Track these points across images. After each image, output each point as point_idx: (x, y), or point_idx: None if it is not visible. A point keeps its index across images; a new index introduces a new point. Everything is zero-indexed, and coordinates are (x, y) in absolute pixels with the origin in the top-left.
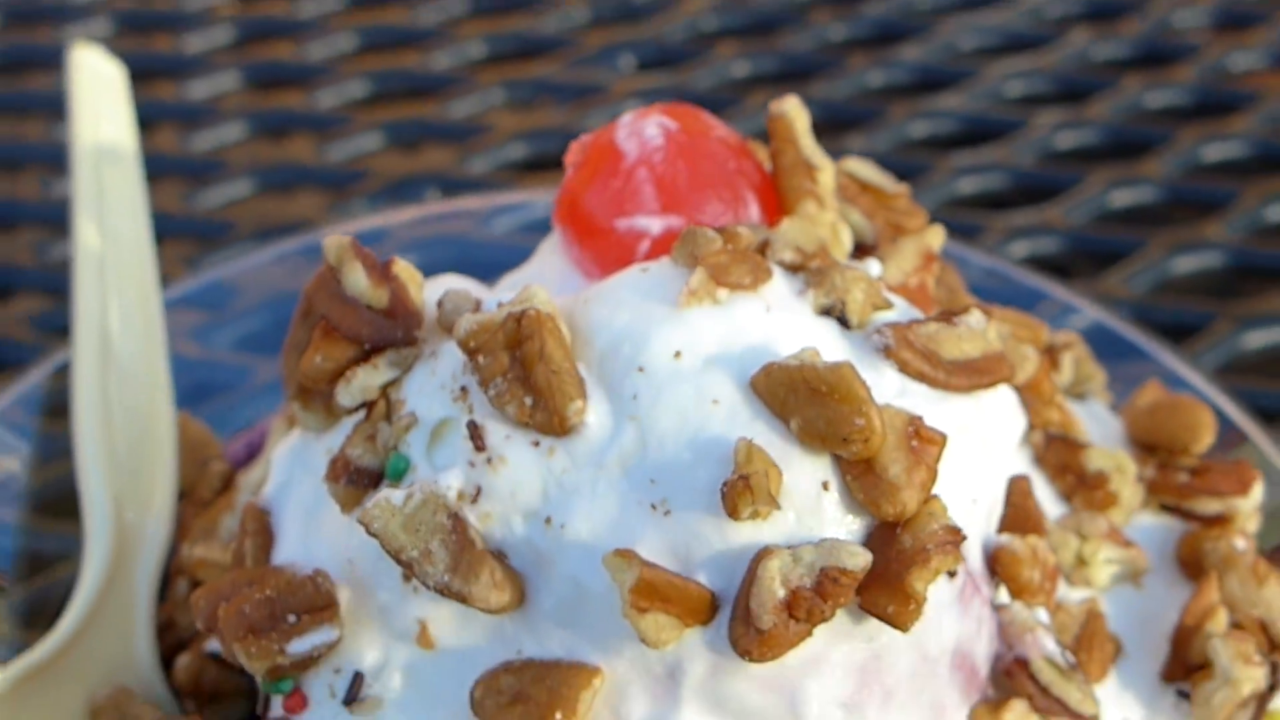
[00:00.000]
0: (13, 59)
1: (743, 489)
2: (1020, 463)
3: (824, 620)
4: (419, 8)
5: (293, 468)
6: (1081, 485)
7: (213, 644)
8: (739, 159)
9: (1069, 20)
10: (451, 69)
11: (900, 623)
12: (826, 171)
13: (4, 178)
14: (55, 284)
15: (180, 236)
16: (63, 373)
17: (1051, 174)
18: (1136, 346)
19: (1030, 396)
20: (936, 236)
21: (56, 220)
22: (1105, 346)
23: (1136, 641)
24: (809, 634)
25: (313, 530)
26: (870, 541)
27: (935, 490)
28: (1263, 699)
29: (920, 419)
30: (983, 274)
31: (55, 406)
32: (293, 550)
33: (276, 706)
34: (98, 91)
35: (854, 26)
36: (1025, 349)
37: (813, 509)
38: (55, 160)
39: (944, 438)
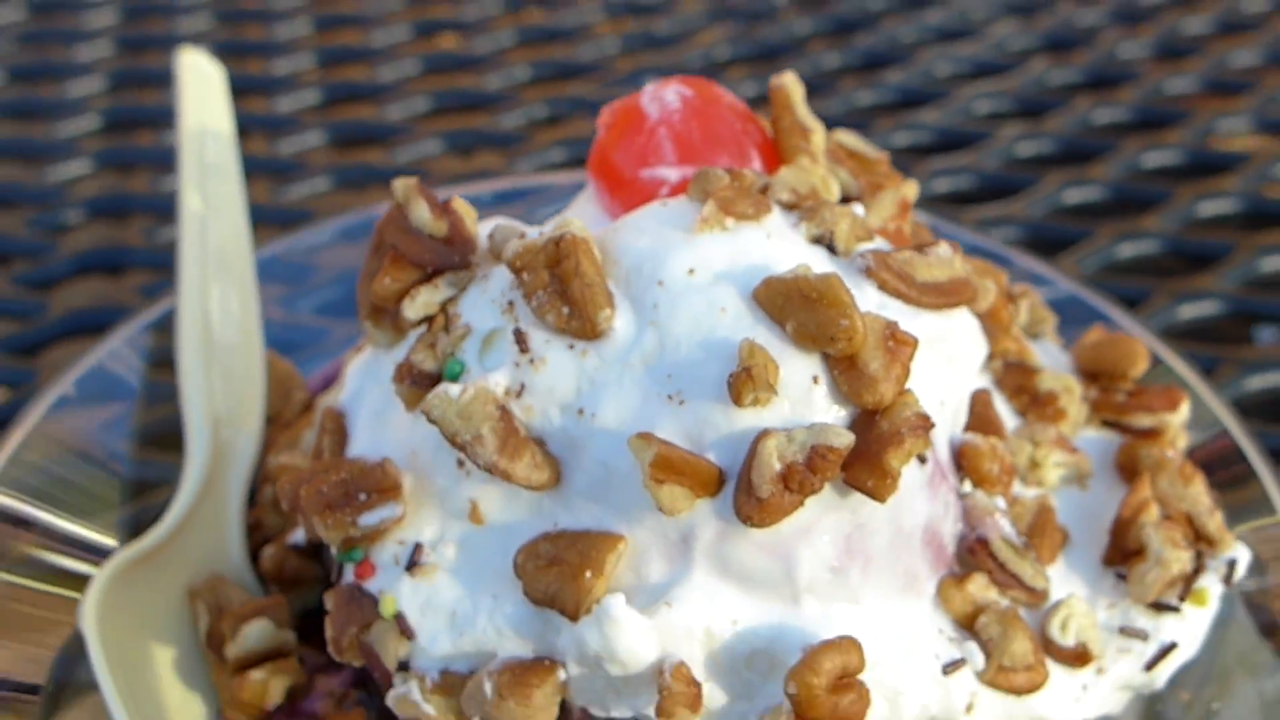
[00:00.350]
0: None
1: (746, 379)
2: (982, 382)
3: (814, 492)
4: (474, 39)
5: (364, 378)
6: (1034, 404)
7: (293, 537)
8: (744, 122)
9: (1029, 51)
10: (501, 89)
11: (879, 495)
12: (818, 134)
13: (119, 176)
14: (162, 261)
15: (268, 224)
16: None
17: (1013, 176)
18: (1096, 310)
19: (990, 325)
20: (911, 189)
21: (163, 210)
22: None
23: (1081, 532)
24: (801, 504)
25: (380, 428)
26: (853, 426)
27: (908, 386)
28: (1189, 579)
29: (896, 324)
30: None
31: (162, 349)
32: (363, 445)
33: (348, 573)
34: (202, 87)
35: (846, 55)
36: (986, 282)
37: (805, 399)
38: (163, 161)
39: (916, 341)
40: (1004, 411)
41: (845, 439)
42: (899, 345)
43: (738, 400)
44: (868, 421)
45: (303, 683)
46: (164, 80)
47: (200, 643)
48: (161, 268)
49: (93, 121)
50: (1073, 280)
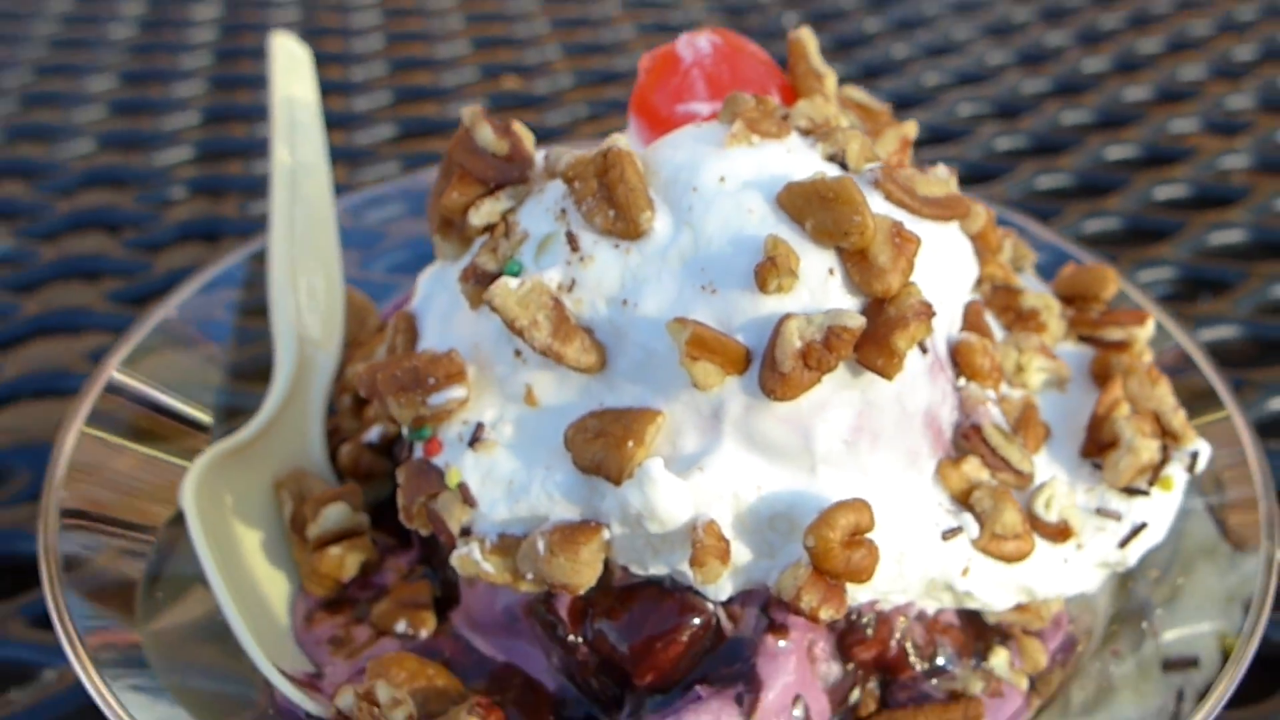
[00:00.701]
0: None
1: (771, 267)
2: (974, 298)
3: (830, 369)
4: (535, 80)
5: (433, 285)
6: (1019, 319)
7: (368, 436)
8: (767, 68)
9: (1005, 65)
10: (560, 125)
11: (887, 373)
12: (830, 79)
13: (215, 162)
14: (252, 230)
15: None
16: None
17: (992, 165)
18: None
19: (981, 247)
20: (911, 128)
21: (253, 189)
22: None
23: (1060, 428)
24: (819, 381)
25: (447, 326)
26: (864, 313)
27: (912, 280)
28: (1157, 467)
29: (901, 224)
30: None
31: (255, 280)
32: (432, 341)
33: (418, 450)
34: (291, 63)
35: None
36: (977, 207)
37: (822, 288)
38: (252, 150)
39: (919, 239)
40: (993, 325)
41: (858, 321)
42: (904, 242)
43: (763, 287)
44: (877, 309)
45: (374, 559)
46: (254, 83)
47: (285, 526)
48: (252, 235)
49: (193, 117)
50: (1058, 237)
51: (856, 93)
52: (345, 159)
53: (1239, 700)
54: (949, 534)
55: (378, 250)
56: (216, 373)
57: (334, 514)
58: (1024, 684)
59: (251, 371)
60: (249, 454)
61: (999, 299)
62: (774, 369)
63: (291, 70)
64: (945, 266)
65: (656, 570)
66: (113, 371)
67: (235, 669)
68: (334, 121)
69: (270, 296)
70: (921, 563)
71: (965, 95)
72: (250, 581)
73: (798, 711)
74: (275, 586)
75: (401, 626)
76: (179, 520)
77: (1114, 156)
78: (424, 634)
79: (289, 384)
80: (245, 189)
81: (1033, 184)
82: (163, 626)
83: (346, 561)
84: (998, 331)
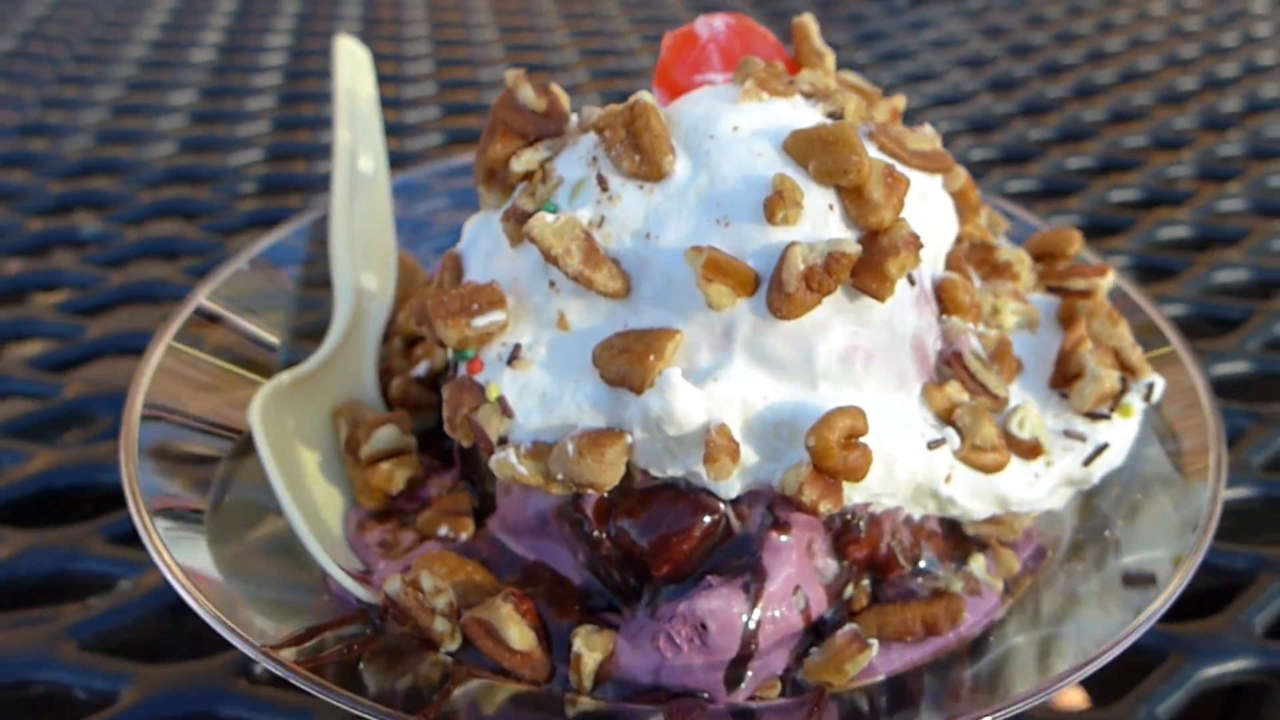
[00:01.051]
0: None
1: (778, 199)
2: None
3: (829, 291)
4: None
5: (477, 230)
6: (995, 271)
7: (415, 371)
8: (774, 46)
9: (977, 91)
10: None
11: (880, 295)
12: (829, 58)
13: (281, 163)
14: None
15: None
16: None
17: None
18: None
19: (961, 204)
20: (900, 100)
21: (315, 185)
22: None
23: (1032, 364)
24: (819, 302)
25: (489, 264)
26: (860, 242)
27: (902, 216)
28: (1118, 395)
29: (893, 166)
30: None
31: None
32: (476, 275)
33: (461, 369)
34: (352, 61)
35: None
36: (958, 168)
37: (822, 221)
38: (314, 153)
39: (909, 180)
40: (971, 276)
41: (854, 248)
42: (895, 182)
43: (770, 218)
44: (871, 240)
45: (419, 476)
46: (317, 98)
47: (340, 449)
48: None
49: (263, 126)
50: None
51: (851, 76)
52: (396, 162)
53: (1191, 614)
54: (934, 444)
55: (424, 235)
56: (284, 315)
57: (385, 435)
58: (999, 586)
59: (314, 318)
60: (309, 385)
61: (976, 254)
62: (780, 290)
63: (353, 66)
64: (930, 213)
65: (673, 472)
66: (201, 299)
67: (295, 579)
68: (389, 129)
69: (332, 254)
70: (909, 468)
71: (942, 115)
72: (309, 494)
73: (798, 600)
74: (331, 500)
75: (443, 531)
76: (241, 453)
77: (1074, 165)
78: (463, 537)
79: (346, 326)
80: (307, 185)
81: (1003, 187)
82: (229, 545)
83: (395, 476)
84: (976, 282)
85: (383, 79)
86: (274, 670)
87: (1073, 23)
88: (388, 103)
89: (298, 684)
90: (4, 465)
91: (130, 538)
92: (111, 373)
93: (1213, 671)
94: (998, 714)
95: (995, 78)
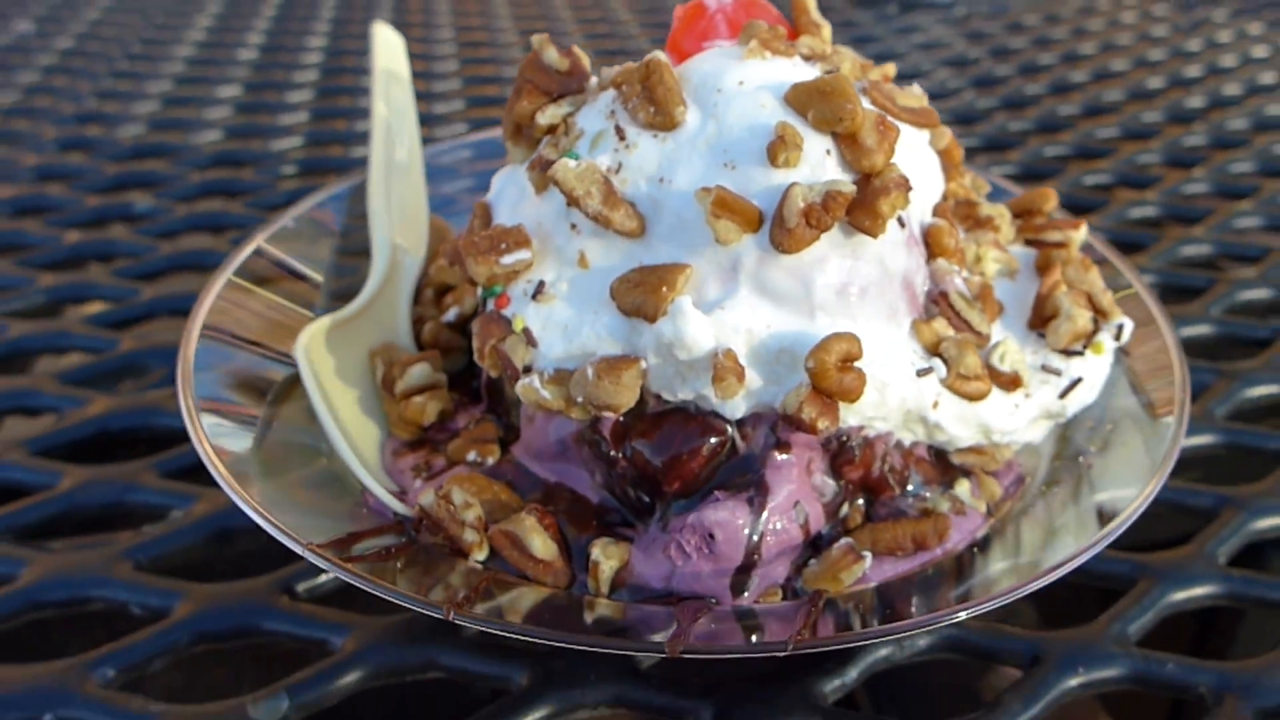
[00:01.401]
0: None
1: (780, 143)
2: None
3: (827, 228)
4: None
5: (504, 182)
6: (977, 224)
7: (446, 316)
8: (776, 18)
9: (961, 89)
10: None
11: (873, 232)
12: (826, 29)
13: (319, 148)
14: (355, 165)
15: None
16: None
17: None
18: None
19: (946, 162)
20: (891, 68)
21: (350, 167)
22: None
23: (1012, 307)
24: (818, 238)
25: (516, 211)
26: (855, 184)
27: (893, 161)
28: (1090, 334)
29: (885, 115)
30: None
31: (357, 202)
32: (503, 220)
33: (489, 305)
34: (388, 46)
35: None
36: (944, 129)
37: (820, 165)
38: (350, 139)
39: (899, 129)
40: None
41: (850, 188)
42: (887, 129)
43: (773, 161)
44: (865, 182)
45: (449, 409)
46: (352, 91)
47: (376, 385)
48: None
49: (302, 116)
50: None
51: (847, 50)
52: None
53: (1162, 547)
54: (922, 372)
55: (451, 211)
56: (326, 267)
57: (418, 371)
58: (982, 508)
59: (353, 268)
60: (349, 329)
61: (961, 209)
62: (782, 226)
63: (388, 51)
64: (918, 162)
65: (684, 395)
66: (248, 249)
67: (336, 509)
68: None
69: (370, 212)
70: (899, 393)
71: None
72: (348, 425)
73: (798, 515)
74: (368, 432)
75: (472, 456)
76: (280, 399)
77: (1051, 154)
78: (490, 461)
79: (383, 277)
80: (343, 167)
81: (987, 174)
82: (273, 480)
83: (428, 408)
84: (960, 234)
85: (413, 74)
86: (317, 563)
87: (1049, 29)
88: (417, 95)
89: (341, 575)
90: (65, 409)
91: (182, 473)
92: (163, 330)
93: (1179, 596)
94: (973, 609)
95: (978, 76)
